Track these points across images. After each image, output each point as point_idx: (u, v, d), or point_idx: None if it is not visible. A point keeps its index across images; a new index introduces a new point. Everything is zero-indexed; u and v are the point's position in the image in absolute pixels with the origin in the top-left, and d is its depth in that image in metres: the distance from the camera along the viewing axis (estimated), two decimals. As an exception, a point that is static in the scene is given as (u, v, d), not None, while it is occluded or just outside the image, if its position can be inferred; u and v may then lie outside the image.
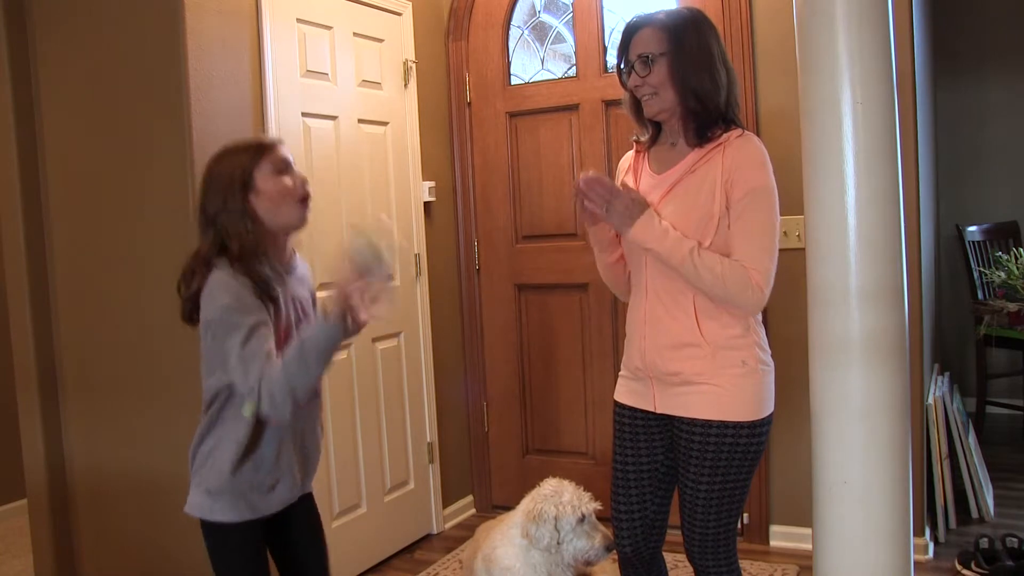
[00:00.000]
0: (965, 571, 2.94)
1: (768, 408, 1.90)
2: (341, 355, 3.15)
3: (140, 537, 2.76)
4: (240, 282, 1.73)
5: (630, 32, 1.89)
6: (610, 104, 3.48)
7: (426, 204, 3.62)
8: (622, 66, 1.91)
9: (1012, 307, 4.07)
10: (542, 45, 3.70)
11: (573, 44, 3.59)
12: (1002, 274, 4.13)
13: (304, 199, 1.82)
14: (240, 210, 1.76)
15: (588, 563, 2.32)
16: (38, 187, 2.82)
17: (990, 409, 4.56)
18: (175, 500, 2.63)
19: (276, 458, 1.84)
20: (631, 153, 2.04)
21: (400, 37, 3.48)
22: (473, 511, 3.90)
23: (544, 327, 3.74)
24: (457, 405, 3.83)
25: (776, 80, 3.14)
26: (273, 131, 2.82)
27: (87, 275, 2.78)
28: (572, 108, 3.59)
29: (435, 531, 3.65)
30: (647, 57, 1.84)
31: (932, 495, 3.20)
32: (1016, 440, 4.56)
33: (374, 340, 3.33)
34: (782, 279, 3.14)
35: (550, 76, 3.68)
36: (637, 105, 1.93)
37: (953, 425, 3.36)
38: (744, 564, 3.15)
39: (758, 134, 3.14)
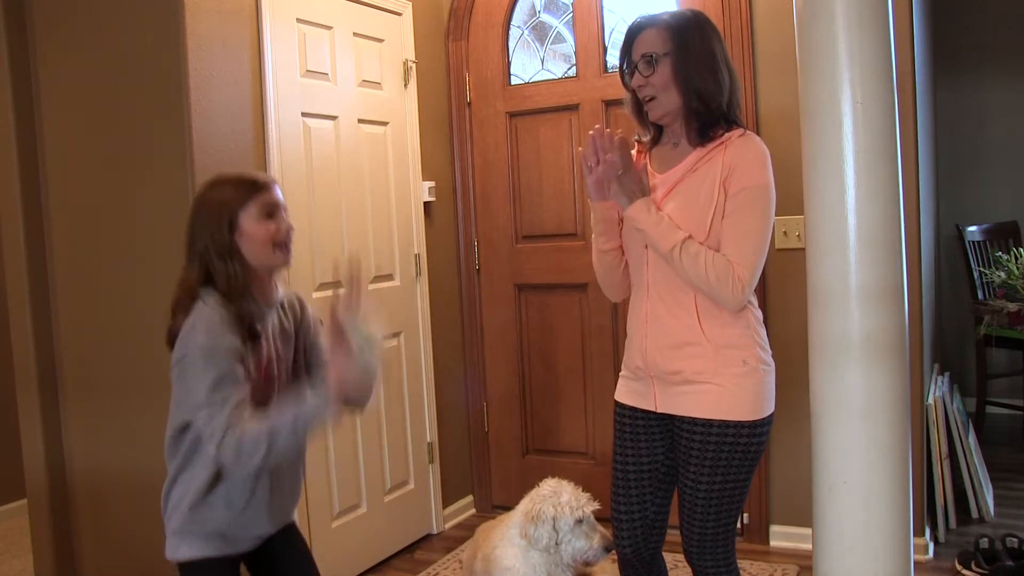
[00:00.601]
0: (965, 571, 2.94)
1: (768, 408, 1.90)
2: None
3: (140, 537, 2.75)
4: (223, 316, 1.71)
5: (633, 33, 1.90)
6: (610, 104, 3.48)
7: (426, 204, 3.62)
8: (625, 67, 1.92)
9: (1012, 307, 4.07)
10: (542, 45, 3.70)
11: (573, 44, 3.59)
12: (1002, 274, 4.13)
13: (286, 245, 1.81)
14: (227, 247, 1.75)
15: (587, 563, 2.33)
16: (38, 187, 2.82)
17: (990, 409, 4.55)
18: (175, 500, 2.64)
19: (248, 497, 1.81)
20: (632, 153, 2.04)
21: (400, 37, 3.48)
22: (473, 511, 3.90)
23: (544, 327, 3.74)
24: (457, 405, 3.83)
25: (776, 80, 3.14)
26: (273, 131, 2.83)
27: (87, 275, 2.78)
28: (572, 108, 3.59)
29: (435, 531, 3.65)
30: (651, 57, 1.85)
31: (932, 495, 3.20)
32: (1016, 440, 4.56)
33: (374, 340, 3.32)
34: (782, 279, 3.17)
35: (550, 76, 3.68)
36: (639, 106, 1.94)
37: (953, 425, 3.36)
38: (744, 564, 3.15)
39: (758, 134, 3.13)
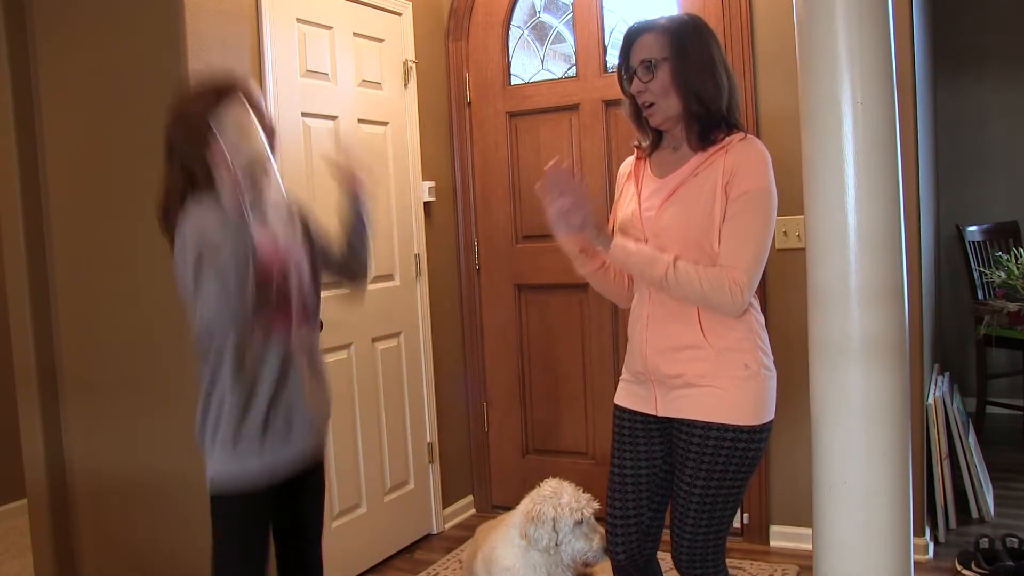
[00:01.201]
0: (965, 571, 2.94)
1: (769, 414, 1.89)
2: (341, 355, 3.15)
3: (140, 537, 2.76)
4: (213, 210, 1.74)
5: (631, 38, 1.89)
6: (610, 104, 3.48)
7: (426, 204, 3.62)
8: (623, 72, 1.91)
9: (1012, 307, 4.07)
10: (542, 45, 3.70)
11: (573, 44, 3.59)
12: (1002, 274, 4.13)
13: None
14: (203, 140, 1.75)
15: (587, 564, 2.32)
16: (38, 187, 2.82)
17: (990, 409, 4.55)
18: (175, 500, 2.65)
19: (283, 386, 1.84)
20: (631, 159, 2.03)
21: (400, 37, 3.48)
22: (473, 511, 3.90)
23: (544, 327, 3.74)
24: (457, 405, 3.83)
25: (776, 81, 3.14)
26: (273, 131, 2.83)
27: (87, 275, 2.78)
28: (572, 108, 3.59)
29: (435, 531, 3.65)
30: (650, 62, 1.84)
31: (932, 495, 3.20)
32: (1016, 440, 4.56)
33: (374, 340, 3.33)
34: (782, 279, 3.17)
35: (550, 76, 3.68)
36: (638, 111, 1.92)
37: (953, 425, 3.36)
38: (744, 564, 3.15)
39: (758, 135, 3.14)
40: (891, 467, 1.74)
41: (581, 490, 2.33)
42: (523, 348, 3.79)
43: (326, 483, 3.05)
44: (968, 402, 4.31)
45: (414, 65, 3.53)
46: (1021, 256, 4.13)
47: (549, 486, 2.35)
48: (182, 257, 1.73)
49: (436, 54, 3.73)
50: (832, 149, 1.72)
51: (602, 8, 3.51)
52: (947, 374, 3.89)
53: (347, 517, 3.19)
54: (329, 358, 2.97)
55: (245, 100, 1.82)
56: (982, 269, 4.44)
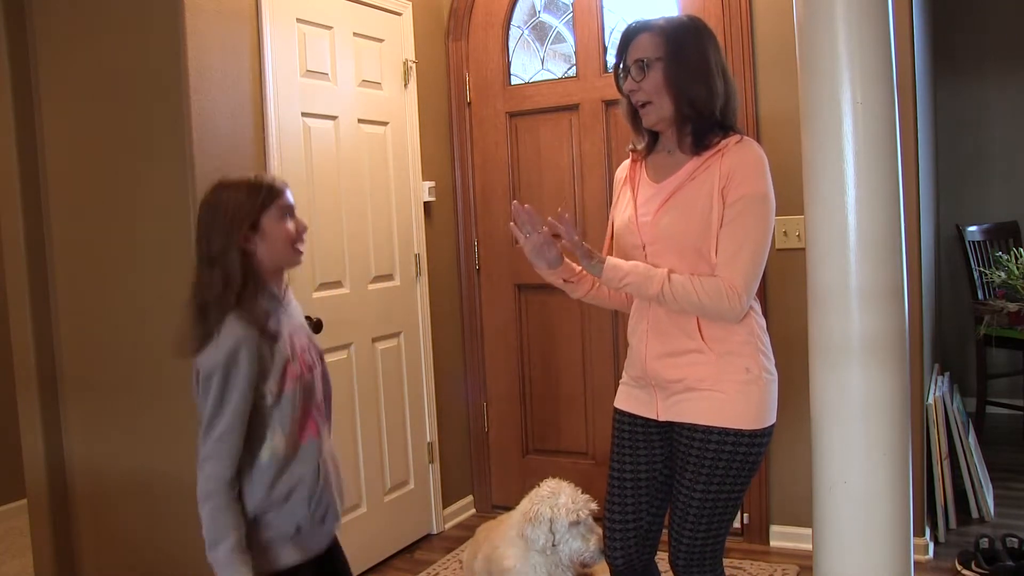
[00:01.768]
0: (965, 571, 2.94)
1: (770, 418, 1.88)
2: (341, 355, 3.15)
3: (140, 537, 2.76)
4: (255, 341, 1.75)
5: (628, 37, 1.89)
6: (610, 104, 3.48)
7: (426, 204, 3.62)
8: (620, 71, 1.91)
9: (1012, 307, 4.07)
10: (542, 45, 3.70)
11: (573, 44, 3.59)
12: (1002, 274, 4.13)
13: (302, 242, 1.88)
14: (242, 248, 1.78)
15: (584, 565, 2.31)
16: (38, 187, 2.82)
17: (990, 409, 4.55)
18: (175, 500, 2.65)
19: (318, 482, 1.86)
20: (627, 163, 2.02)
21: (400, 37, 3.48)
22: (473, 511, 3.90)
23: (544, 327, 3.74)
24: (457, 405, 3.83)
25: (776, 81, 3.14)
26: (273, 131, 2.83)
27: (87, 275, 2.78)
28: (572, 108, 3.59)
29: (435, 531, 3.65)
30: (643, 62, 1.84)
31: (932, 495, 3.20)
32: (1016, 440, 4.56)
33: (374, 340, 3.33)
34: (782, 279, 3.17)
35: (550, 76, 3.68)
36: (634, 112, 1.92)
37: (953, 425, 3.36)
38: (744, 564, 3.15)
39: (758, 135, 3.14)
40: (891, 467, 1.74)
41: (580, 490, 2.33)
42: (523, 348, 3.79)
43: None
44: (968, 402, 4.31)
45: (414, 65, 3.53)
46: (1021, 256, 4.12)
47: (548, 486, 2.35)
48: (208, 380, 1.74)
49: (436, 54, 3.73)
50: (832, 149, 1.72)
51: (602, 8, 3.51)
52: (947, 374, 3.89)
53: (347, 517, 3.19)
54: (329, 358, 2.95)
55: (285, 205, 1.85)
56: (982, 269, 4.44)
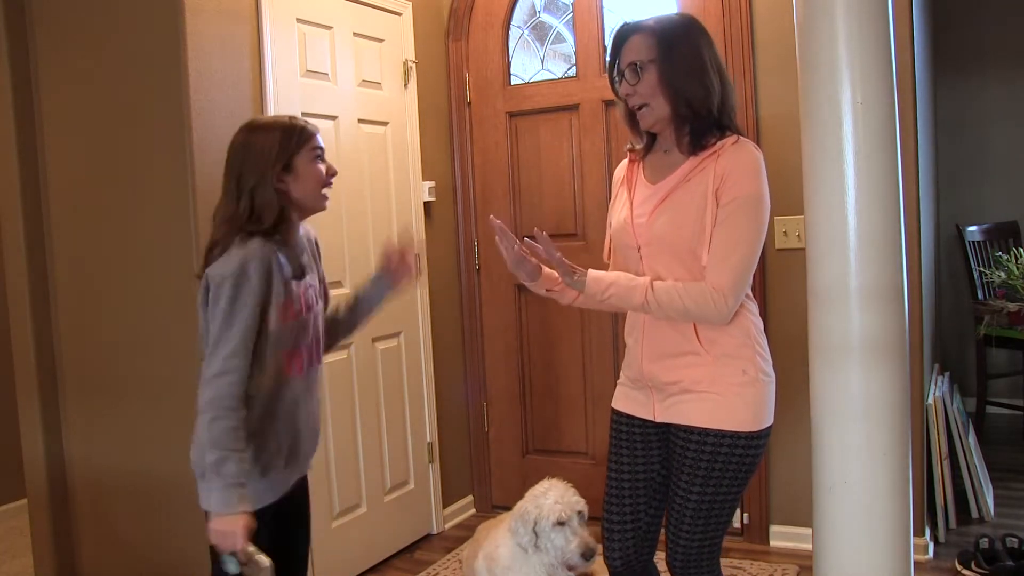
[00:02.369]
0: (965, 571, 2.94)
1: (767, 420, 1.87)
2: (341, 355, 3.15)
3: (140, 537, 2.76)
4: (269, 258, 1.77)
5: (620, 40, 1.87)
6: (610, 104, 3.48)
7: (426, 204, 3.62)
8: (614, 75, 1.89)
9: (1012, 307, 4.07)
10: (542, 45, 3.70)
11: (573, 44, 3.59)
12: (1002, 274, 4.13)
13: (329, 186, 1.92)
14: (274, 186, 1.81)
15: (570, 568, 2.27)
16: (38, 187, 2.82)
17: (990, 409, 4.56)
18: (175, 500, 2.65)
19: (293, 420, 1.87)
20: (625, 163, 2.01)
21: (400, 37, 3.48)
22: (473, 511, 3.90)
23: (544, 327, 3.74)
24: (457, 405, 3.83)
25: (776, 81, 3.14)
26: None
27: (87, 275, 2.78)
28: (572, 108, 3.59)
29: (435, 531, 3.65)
30: (637, 65, 1.82)
31: (932, 495, 3.20)
32: (1016, 440, 4.56)
33: (374, 340, 3.33)
34: (782, 279, 3.17)
35: (550, 76, 3.68)
36: (631, 114, 1.90)
37: (953, 425, 3.36)
38: (744, 564, 3.15)
39: (758, 135, 3.14)
40: (891, 467, 1.74)
41: (575, 492, 2.28)
42: (523, 348, 3.79)
43: (331, 482, 3.08)
44: (968, 402, 4.31)
45: (414, 65, 3.53)
46: (1021, 256, 4.12)
47: (542, 486, 2.33)
48: (219, 288, 1.74)
49: (436, 54, 3.73)
50: (832, 149, 1.72)
51: (602, 8, 3.51)
52: (947, 374, 3.89)
53: (347, 517, 3.19)
54: (329, 358, 2.96)
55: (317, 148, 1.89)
56: (982, 269, 4.44)
